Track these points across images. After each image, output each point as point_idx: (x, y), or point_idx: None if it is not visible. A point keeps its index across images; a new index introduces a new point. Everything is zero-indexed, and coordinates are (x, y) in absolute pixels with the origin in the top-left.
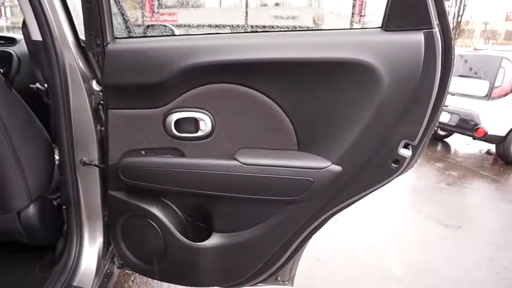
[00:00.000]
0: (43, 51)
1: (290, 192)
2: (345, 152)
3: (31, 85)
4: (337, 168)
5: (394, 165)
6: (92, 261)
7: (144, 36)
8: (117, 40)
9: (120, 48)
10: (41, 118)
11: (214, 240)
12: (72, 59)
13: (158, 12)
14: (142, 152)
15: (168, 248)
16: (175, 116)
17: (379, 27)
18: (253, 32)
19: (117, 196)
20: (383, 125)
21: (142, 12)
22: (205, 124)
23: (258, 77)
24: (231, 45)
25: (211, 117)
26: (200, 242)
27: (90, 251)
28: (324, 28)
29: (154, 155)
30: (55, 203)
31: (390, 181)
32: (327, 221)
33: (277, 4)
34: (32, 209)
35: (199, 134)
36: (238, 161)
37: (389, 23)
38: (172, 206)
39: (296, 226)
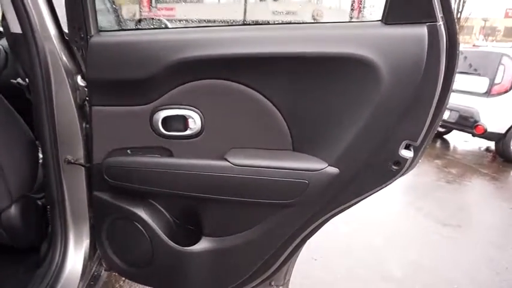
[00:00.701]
0: (23, 44)
1: (284, 195)
2: (342, 153)
3: (12, 80)
4: (334, 170)
5: (395, 167)
6: (78, 263)
7: (130, 29)
8: (101, 33)
9: (104, 41)
10: (29, 114)
11: (203, 244)
12: (54, 52)
13: (156, 7)
14: (128, 151)
15: (155, 252)
16: (162, 114)
17: (379, 21)
18: (245, 24)
19: (102, 197)
20: (383, 125)
21: (140, 8)
22: (195, 122)
23: (251, 72)
24: (221, 39)
25: (201, 115)
26: (189, 246)
27: (76, 253)
28: (320, 21)
29: (141, 154)
30: (40, 203)
31: (390, 183)
32: (322, 225)
33: None
34: (13, 210)
35: (188, 132)
36: (228, 161)
37: (390, 16)
38: (160, 208)
39: (290, 230)
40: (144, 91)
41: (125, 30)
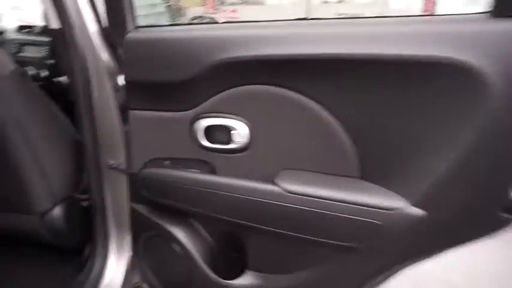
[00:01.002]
0: (62, 40)
1: (347, 237)
2: (430, 189)
3: (53, 79)
4: (418, 211)
5: (505, 215)
6: (118, 274)
7: (169, 25)
8: (139, 29)
9: (141, 37)
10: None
11: (247, 279)
12: (94, 50)
13: (219, 9)
14: (167, 162)
15: (192, 280)
16: (204, 123)
17: (485, 12)
18: (304, 19)
19: (139, 211)
20: (489, 155)
21: (204, 10)
22: (240, 135)
23: (310, 78)
24: (275, 36)
25: (248, 126)
26: (231, 279)
27: (117, 264)
28: (403, 15)
29: (180, 167)
30: (85, 205)
31: (496, 234)
32: (393, 276)
33: (340, 1)
34: (57, 211)
35: (232, 146)
36: (279, 186)
37: (503, 6)
38: (200, 229)
39: (355, 280)
40: (184, 95)
41: (165, 25)
